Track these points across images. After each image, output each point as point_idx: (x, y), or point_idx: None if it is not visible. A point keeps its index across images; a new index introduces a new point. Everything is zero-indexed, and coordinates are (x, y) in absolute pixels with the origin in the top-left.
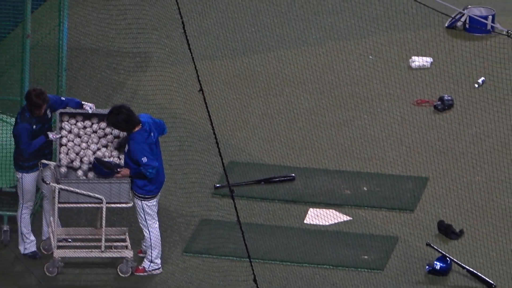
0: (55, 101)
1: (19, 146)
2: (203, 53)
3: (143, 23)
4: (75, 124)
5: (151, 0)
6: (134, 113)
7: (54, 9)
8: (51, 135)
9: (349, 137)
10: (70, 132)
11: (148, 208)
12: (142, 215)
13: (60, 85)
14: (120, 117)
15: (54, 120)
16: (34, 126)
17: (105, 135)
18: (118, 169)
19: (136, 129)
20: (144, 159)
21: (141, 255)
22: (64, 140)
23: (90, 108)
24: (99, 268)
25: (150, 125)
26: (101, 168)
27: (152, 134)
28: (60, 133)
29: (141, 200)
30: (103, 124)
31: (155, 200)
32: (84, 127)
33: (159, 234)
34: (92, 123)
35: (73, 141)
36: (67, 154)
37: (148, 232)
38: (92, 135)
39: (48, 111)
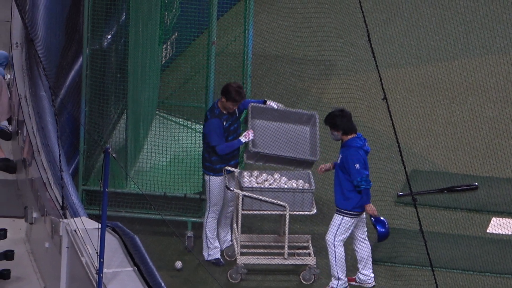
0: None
1: (210, 144)
2: (387, 61)
3: (328, 31)
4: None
5: (336, 7)
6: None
7: (239, 16)
8: (244, 139)
9: None
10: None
11: (346, 224)
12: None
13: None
14: (343, 118)
15: (241, 120)
16: (225, 123)
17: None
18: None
19: (352, 135)
20: (357, 166)
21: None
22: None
23: (277, 105)
24: (281, 275)
25: (361, 139)
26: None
27: (367, 145)
28: (251, 135)
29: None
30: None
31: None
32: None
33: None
34: None
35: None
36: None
37: (333, 249)
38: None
39: (236, 110)
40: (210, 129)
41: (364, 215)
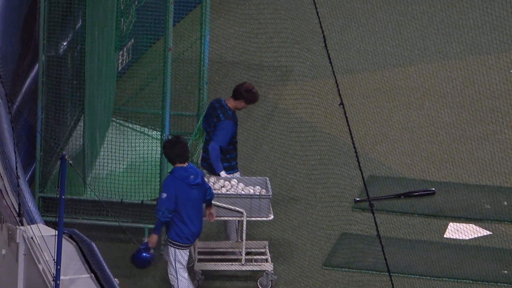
0: None
1: (215, 141)
2: (344, 66)
3: (284, 37)
4: None
5: (292, 14)
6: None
7: (195, 23)
8: (223, 174)
9: (490, 151)
10: None
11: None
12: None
13: (201, 98)
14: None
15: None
16: (234, 128)
17: None
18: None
19: (179, 165)
20: (163, 195)
21: None
22: None
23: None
24: (239, 281)
25: (197, 172)
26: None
27: (192, 178)
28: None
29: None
30: None
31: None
32: None
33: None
34: None
35: None
36: None
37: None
38: None
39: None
40: (223, 127)
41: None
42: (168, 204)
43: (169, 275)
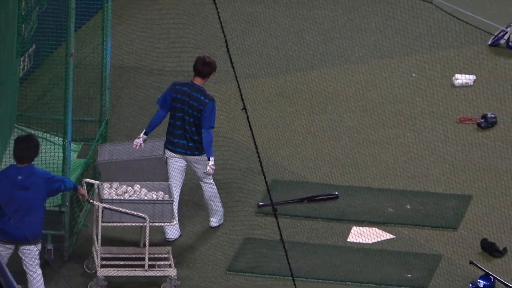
0: None
1: (211, 125)
2: (246, 71)
3: (187, 42)
4: None
5: (194, 19)
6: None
7: (97, 28)
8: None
9: (392, 155)
10: None
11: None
12: None
13: (103, 104)
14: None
15: None
16: None
17: None
18: None
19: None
20: None
21: None
22: None
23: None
24: (142, 287)
25: (19, 170)
26: None
27: (20, 178)
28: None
29: None
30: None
31: None
32: None
33: None
34: None
35: None
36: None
37: None
38: None
39: None
40: (212, 109)
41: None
42: None
43: None
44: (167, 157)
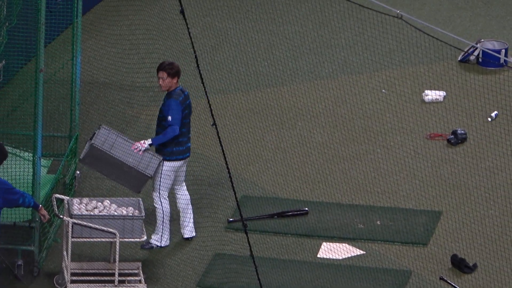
0: None
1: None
2: (216, 87)
3: (156, 57)
4: None
5: (164, 34)
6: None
7: (67, 43)
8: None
9: (362, 171)
10: None
11: None
12: None
13: (73, 119)
14: None
15: None
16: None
17: None
18: None
19: None
20: None
21: None
22: None
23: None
24: None
25: None
26: None
27: None
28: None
29: None
30: None
31: None
32: None
33: None
34: None
35: None
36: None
37: None
38: None
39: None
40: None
41: None
42: None
43: None
44: (171, 170)
